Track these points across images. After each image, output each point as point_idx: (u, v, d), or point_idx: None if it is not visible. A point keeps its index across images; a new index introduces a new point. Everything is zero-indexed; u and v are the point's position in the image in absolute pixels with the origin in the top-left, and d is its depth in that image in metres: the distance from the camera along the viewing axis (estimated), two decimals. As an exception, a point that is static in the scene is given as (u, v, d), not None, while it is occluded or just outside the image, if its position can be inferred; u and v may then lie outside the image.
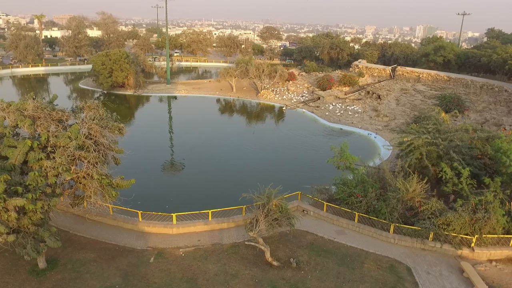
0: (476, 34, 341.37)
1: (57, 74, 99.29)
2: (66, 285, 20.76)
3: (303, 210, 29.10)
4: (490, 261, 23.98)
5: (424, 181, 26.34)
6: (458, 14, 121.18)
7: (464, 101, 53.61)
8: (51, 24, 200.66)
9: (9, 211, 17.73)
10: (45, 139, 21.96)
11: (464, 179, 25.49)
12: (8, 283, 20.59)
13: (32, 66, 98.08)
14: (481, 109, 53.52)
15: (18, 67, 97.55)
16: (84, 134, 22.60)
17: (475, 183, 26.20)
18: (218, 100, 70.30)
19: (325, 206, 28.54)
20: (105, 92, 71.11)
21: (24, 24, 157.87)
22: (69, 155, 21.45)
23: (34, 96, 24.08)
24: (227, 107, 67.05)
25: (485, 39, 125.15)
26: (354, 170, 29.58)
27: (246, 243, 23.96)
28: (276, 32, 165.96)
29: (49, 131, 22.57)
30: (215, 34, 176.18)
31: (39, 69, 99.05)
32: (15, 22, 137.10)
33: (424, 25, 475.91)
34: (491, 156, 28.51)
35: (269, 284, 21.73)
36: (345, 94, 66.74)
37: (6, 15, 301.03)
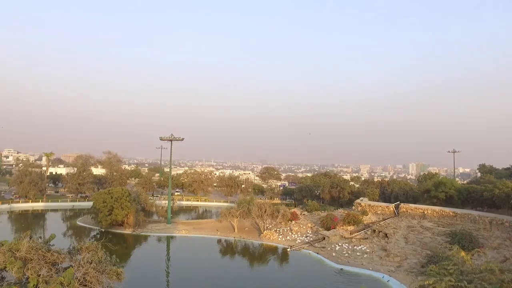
0: (467, 170, 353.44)
1: (56, 210, 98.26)
2: None
3: None
4: None
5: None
6: (449, 151, 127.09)
7: (476, 238, 51.63)
8: (58, 162, 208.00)
9: None
10: (33, 285, 19.79)
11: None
12: None
13: (32, 202, 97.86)
14: (496, 246, 51.11)
15: (18, 202, 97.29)
16: (78, 280, 20.49)
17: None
18: (219, 241, 67.72)
19: None
20: (103, 230, 69.10)
21: (32, 161, 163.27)
22: (57, 306, 19.03)
23: (30, 235, 22.62)
24: (228, 249, 64.07)
25: (478, 174, 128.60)
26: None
27: None
28: (276, 172, 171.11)
29: (39, 275, 20.52)
30: (216, 174, 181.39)
31: (39, 205, 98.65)
32: (24, 159, 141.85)
33: (416, 162, 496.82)
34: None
35: None
36: (350, 234, 64.75)
37: (17, 153, 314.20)
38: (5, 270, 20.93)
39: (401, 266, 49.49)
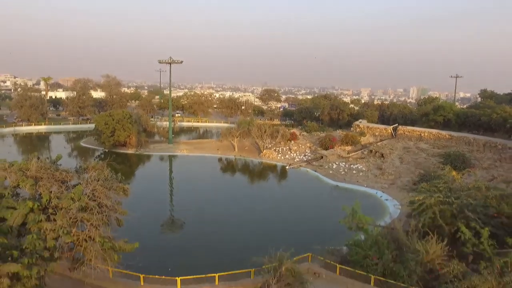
0: (468, 95, 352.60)
1: (59, 133, 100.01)
2: None
3: (315, 273, 27.40)
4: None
5: (444, 243, 25.08)
6: (451, 76, 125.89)
7: (469, 159, 53.40)
8: (56, 86, 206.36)
9: (1, 277, 16.40)
10: (46, 200, 21.07)
11: (485, 239, 24.25)
12: None
13: (34, 125, 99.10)
14: (486, 166, 53.08)
15: (21, 125, 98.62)
16: (88, 196, 21.75)
17: (496, 243, 24.95)
18: (220, 160, 69.98)
19: (338, 268, 26.91)
20: (107, 150, 70.98)
21: (30, 85, 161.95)
22: (70, 217, 20.44)
23: (38, 156, 23.51)
24: (229, 167, 66.50)
25: (479, 99, 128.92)
26: (368, 231, 28.36)
27: (257, 310, 22.21)
28: (276, 94, 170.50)
29: (51, 192, 21.74)
30: (216, 96, 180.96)
31: (41, 128, 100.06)
32: (22, 84, 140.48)
33: (417, 86, 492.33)
34: (508, 215, 27.51)
35: None
36: (348, 153, 66.59)
37: (14, 77, 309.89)
38: (19, 187, 22.14)
39: (394, 184, 51.81)
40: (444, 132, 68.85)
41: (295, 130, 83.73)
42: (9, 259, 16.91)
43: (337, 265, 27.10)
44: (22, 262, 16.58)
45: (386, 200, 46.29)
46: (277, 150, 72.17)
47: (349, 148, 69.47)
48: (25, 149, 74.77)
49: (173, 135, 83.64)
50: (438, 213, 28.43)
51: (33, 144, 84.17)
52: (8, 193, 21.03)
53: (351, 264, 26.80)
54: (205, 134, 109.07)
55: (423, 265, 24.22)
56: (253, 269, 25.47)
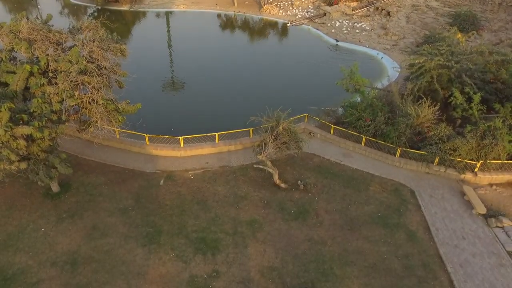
0: None
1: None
2: (81, 208, 21.50)
3: (310, 132, 29.15)
4: (491, 185, 24.64)
5: (437, 108, 25.93)
6: None
7: (479, 20, 50.62)
8: None
9: (17, 139, 17.58)
10: (44, 63, 21.04)
11: (475, 105, 25.02)
12: (26, 205, 21.28)
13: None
14: (496, 29, 50.68)
15: None
16: (85, 58, 21.58)
17: (485, 108, 25.82)
18: (218, 16, 66.76)
19: (332, 128, 28.50)
20: (99, 7, 67.13)
21: None
22: (71, 81, 20.70)
23: (27, 17, 22.48)
24: (228, 23, 63.88)
25: None
26: (364, 93, 28.98)
27: (255, 166, 24.35)
28: None
29: (47, 54, 21.52)
30: None
31: None
32: None
33: None
34: (504, 80, 27.73)
35: (277, 206, 22.51)
36: (352, 10, 63.15)
37: None
38: (14, 50, 21.75)
39: (397, 45, 50.57)
40: (458, -12, 63.97)
41: (299, -17, 77.72)
42: (20, 122, 17.81)
43: (332, 125, 28.61)
44: (33, 125, 17.53)
45: (386, 62, 45.92)
46: (278, 6, 68.26)
47: (354, 4, 65.51)
48: (10, 7, 70.24)
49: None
50: (435, 77, 28.63)
51: (19, 1, 78.61)
52: (6, 57, 20.87)
53: (345, 125, 28.31)
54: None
55: (413, 128, 25.57)
56: (252, 128, 27.02)
